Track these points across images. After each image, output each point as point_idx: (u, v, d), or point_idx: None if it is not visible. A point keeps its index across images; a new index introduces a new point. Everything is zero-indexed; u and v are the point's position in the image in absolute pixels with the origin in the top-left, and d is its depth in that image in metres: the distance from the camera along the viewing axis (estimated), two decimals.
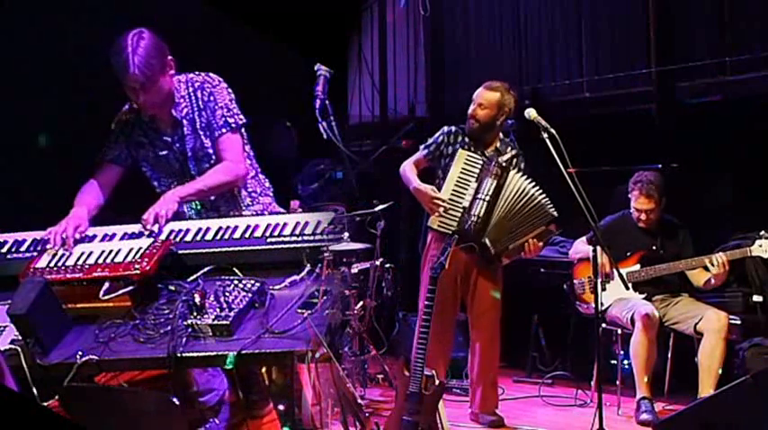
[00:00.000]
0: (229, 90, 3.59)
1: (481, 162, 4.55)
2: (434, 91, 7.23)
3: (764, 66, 5.37)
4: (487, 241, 4.47)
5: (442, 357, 4.66)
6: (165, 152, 3.57)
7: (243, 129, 3.61)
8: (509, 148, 4.70)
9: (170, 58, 3.46)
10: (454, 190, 4.53)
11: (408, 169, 4.73)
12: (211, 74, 3.61)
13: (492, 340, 4.72)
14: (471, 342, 4.81)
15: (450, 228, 4.49)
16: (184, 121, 3.53)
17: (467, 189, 4.52)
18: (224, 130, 3.53)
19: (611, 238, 4.60)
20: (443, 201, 4.51)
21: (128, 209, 3.39)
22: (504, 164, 4.53)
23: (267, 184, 3.80)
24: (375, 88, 7.65)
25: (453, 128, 4.75)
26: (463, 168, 4.55)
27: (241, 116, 3.59)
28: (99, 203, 3.49)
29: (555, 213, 4.47)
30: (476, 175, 4.53)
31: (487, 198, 4.48)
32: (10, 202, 4.80)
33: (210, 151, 3.55)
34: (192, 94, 3.54)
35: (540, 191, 4.50)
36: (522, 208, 4.48)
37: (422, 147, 4.82)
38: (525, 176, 4.55)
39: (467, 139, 4.69)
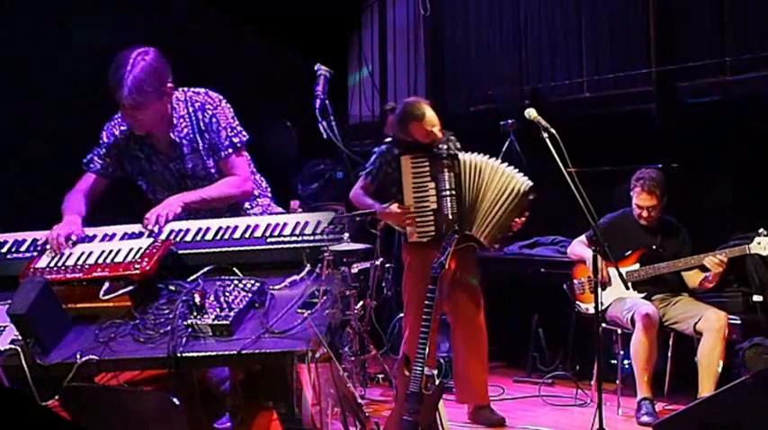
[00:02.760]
0: (230, 107, 3.57)
1: (427, 160, 4.42)
2: (434, 91, 7.22)
3: (764, 66, 5.36)
4: (473, 232, 4.35)
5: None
6: (160, 168, 3.56)
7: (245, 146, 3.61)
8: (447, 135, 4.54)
9: (170, 84, 3.42)
10: (415, 197, 4.41)
11: (362, 196, 4.55)
12: (211, 92, 3.57)
13: (477, 330, 4.61)
14: (453, 335, 4.71)
15: (429, 234, 4.39)
16: (184, 142, 3.51)
17: (427, 191, 4.40)
18: (230, 151, 3.54)
19: (611, 236, 4.59)
20: (411, 211, 4.39)
21: (127, 210, 3.39)
22: (450, 152, 4.41)
23: (264, 185, 3.79)
24: (375, 88, 7.65)
25: (383, 147, 4.58)
26: (413, 173, 4.41)
27: (244, 133, 3.59)
28: (83, 214, 3.46)
29: (529, 181, 4.34)
30: (428, 175, 4.41)
31: (452, 191, 4.37)
32: (10, 202, 4.80)
33: (213, 171, 3.55)
34: (192, 114, 3.51)
35: (500, 161, 4.41)
36: (490, 183, 4.36)
37: (362, 174, 4.64)
38: (477, 154, 4.43)
39: (401, 149, 4.50)
